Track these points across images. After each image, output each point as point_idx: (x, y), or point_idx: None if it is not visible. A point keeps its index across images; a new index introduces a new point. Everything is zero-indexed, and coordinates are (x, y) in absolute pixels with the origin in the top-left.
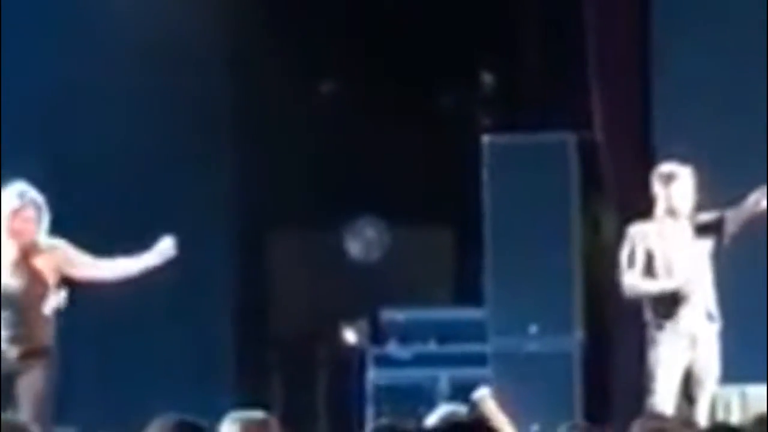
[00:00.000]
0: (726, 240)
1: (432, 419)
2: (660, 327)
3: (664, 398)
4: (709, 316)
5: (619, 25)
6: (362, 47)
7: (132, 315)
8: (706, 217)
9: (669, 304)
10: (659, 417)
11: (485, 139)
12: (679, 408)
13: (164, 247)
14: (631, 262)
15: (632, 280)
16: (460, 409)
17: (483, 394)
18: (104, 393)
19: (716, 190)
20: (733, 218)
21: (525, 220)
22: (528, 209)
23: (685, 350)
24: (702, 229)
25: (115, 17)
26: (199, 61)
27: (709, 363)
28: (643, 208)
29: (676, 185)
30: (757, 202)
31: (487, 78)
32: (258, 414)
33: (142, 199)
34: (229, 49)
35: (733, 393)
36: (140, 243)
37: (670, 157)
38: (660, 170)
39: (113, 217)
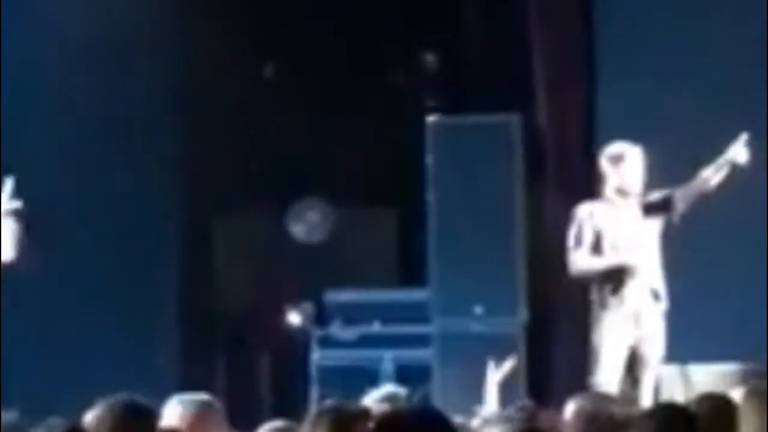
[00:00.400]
0: (675, 219)
1: (369, 400)
2: (605, 306)
3: (607, 377)
4: (655, 296)
5: (562, 6)
6: (305, 29)
7: (75, 297)
8: (655, 196)
9: (614, 282)
10: (598, 396)
11: (430, 119)
12: (622, 387)
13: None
14: (578, 241)
15: (577, 258)
16: (400, 390)
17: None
18: (47, 375)
19: (662, 170)
20: (682, 197)
21: (469, 201)
22: (472, 190)
23: (630, 329)
24: (650, 208)
25: None
26: (141, 47)
27: (654, 342)
28: (586, 189)
29: (625, 165)
30: (706, 181)
31: (431, 59)
32: (202, 396)
33: (85, 184)
34: (172, 33)
35: (675, 372)
36: (85, 229)
37: (613, 138)
38: (609, 151)
39: (57, 206)
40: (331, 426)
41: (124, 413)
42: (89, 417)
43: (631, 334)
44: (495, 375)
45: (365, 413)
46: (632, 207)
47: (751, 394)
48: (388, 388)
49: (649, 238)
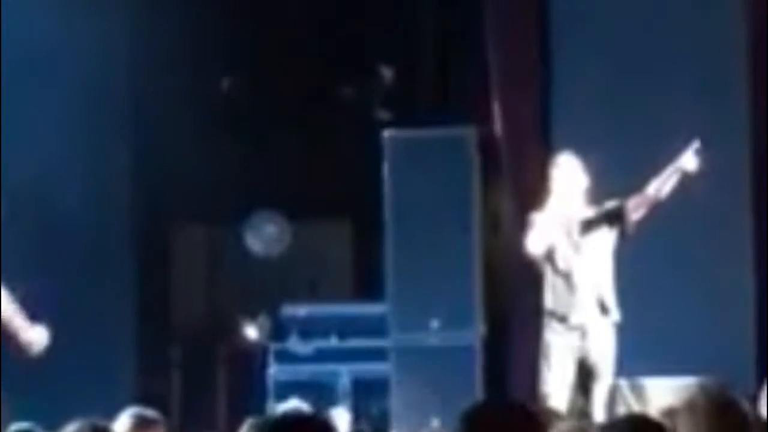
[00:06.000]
0: (629, 229)
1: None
2: (552, 318)
3: (556, 390)
4: (602, 308)
5: (518, 19)
6: (261, 43)
7: (33, 310)
8: (607, 206)
9: (561, 295)
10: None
11: (386, 133)
12: (572, 400)
13: None
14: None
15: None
16: (303, 405)
17: None
18: (3, 386)
19: (614, 182)
20: (635, 206)
21: (426, 215)
22: (429, 204)
23: (574, 342)
24: (603, 219)
25: None
26: (99, 57)
27: (601, 355)
28: (543, 202)
29: (557, 171)
30: (658, 190)
31: (387, 72)
32: (147, 411)
33: (40, 198)
34: (128, 45)
35: (630, 386)
36: (41, 243)
37: (568, 151)
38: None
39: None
40: None
41: None
42: None
43: (576, 346)
44: None
45: None
46: (580, 217)
47: (687, 407)
48: (293, 403)
49: (600, 249)
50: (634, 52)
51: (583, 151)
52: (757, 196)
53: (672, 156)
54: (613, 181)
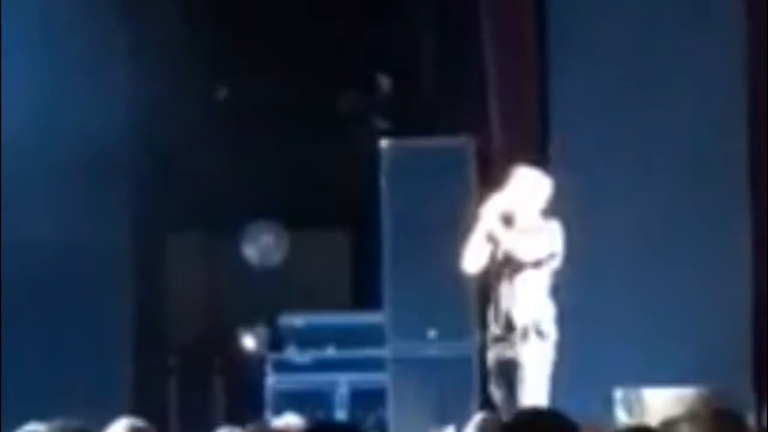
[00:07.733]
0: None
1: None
2: (488, 329)
3: (498, 396)
4: (508, 325)
5: (515, 30)
6: (258, 53)
7: (30, 317)
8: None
9: (491, 306)
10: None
11: (383, 142)
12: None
13: None
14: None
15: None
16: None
17: None
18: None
19: (611, 194)
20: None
21: (423, 224)
22: (426, 213)
23: (498, 353)
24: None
25: None
26: (94, 66)
27: (520, 368)
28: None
29: (514, 184)
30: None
31: (385, 82)
32: (136, 422)
33: (38, 206)
34: (127, 53)
35: (629, 397)
36: (39, 253)
37: (566, 162)
38: None
39: (10, 225)
40: None
41: None
42: None
43: (498, 357)
44: None
45: None
46: (516, 233)
47: (689, 417)
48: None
49: (524, 272)
50: (633, 63)
51: (580, 162)
52: (756, 199)
53: (671, 167)
54: (610, 192)
